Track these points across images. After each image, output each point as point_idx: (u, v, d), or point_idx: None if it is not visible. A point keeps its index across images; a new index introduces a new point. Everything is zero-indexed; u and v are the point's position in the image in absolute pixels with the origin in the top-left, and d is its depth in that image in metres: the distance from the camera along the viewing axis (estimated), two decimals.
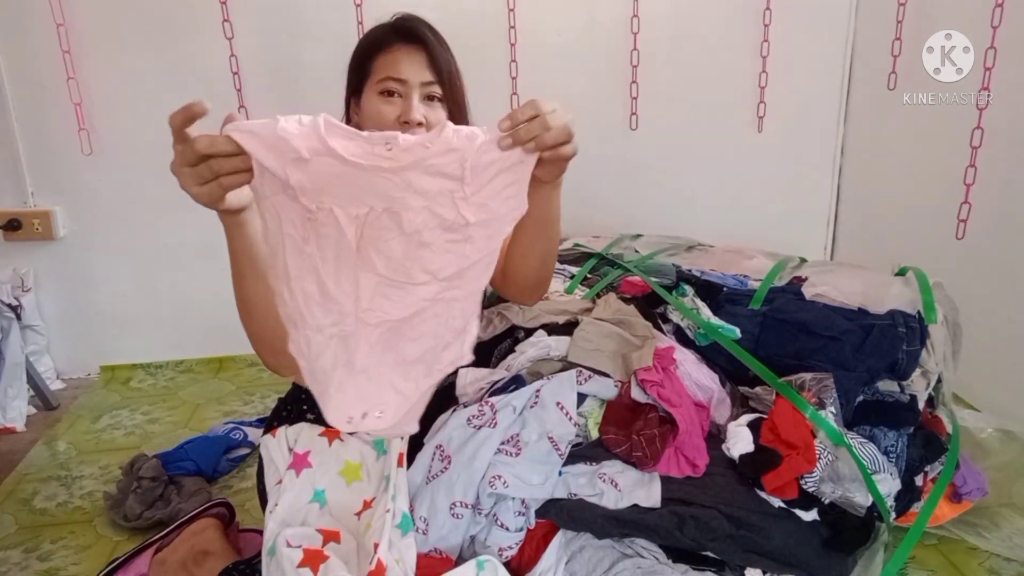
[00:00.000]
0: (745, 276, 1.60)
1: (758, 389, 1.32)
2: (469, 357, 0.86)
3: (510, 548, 1.06)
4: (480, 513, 1.07)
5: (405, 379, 0.86)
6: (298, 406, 1.16)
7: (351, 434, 1.11)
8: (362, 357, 0.85)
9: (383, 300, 0.84)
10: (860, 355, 1.31)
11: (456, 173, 0.81)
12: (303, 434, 1.11)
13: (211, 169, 0.77)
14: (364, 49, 1.13)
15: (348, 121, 1.18)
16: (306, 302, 0.83)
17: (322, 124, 0.78)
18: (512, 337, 1.37)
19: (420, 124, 1.07)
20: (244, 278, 0.92)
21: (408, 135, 0.81)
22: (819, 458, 1.14)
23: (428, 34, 1.10)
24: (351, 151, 0.78)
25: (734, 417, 1.29)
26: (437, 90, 1.09)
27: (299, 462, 1.08)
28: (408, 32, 1.10)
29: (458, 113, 1.13)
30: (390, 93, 1.08)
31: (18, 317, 2.07)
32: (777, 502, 1.13)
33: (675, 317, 1.44)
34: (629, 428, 1.18)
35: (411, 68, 1.08)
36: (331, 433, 1.11)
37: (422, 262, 0.83)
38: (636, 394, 1.19)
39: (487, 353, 1.35)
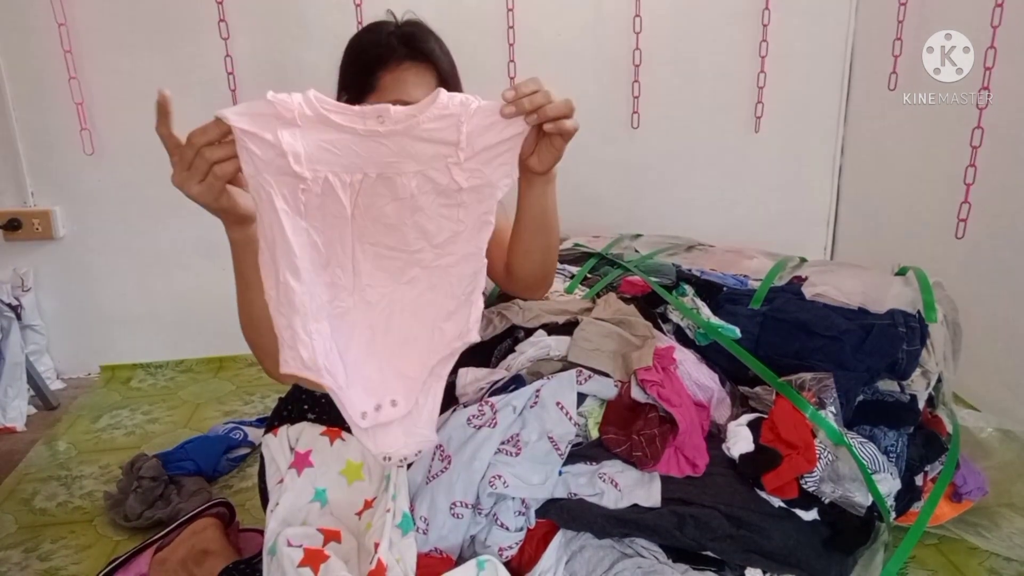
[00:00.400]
0: (745, 276, 1.60)
1: (758, 389, 1.32)
2: (475, 336, 0.85)
3: (510, 548, 1.06)
4: (480, 513, 1.07)
5: (409, 360, 0.86)
6: (299, 405, 1.16)
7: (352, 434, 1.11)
8: (364, 342, 0.84)
9: (381, 274, 0.84)
10: (860, 355, 1.30)
11: (451, 138, 0.81)
12: (304, 433, 1.11)
13: (204, 159, 0.76)
14: (368, 61, 1.10)
15: None
16: (312, 280, 0.82)
17: (312, 96, 0.79)
18: (512, 337, 1.36)
19: None
20: (252, 293, 0.91)
21: (400, 107, 0.81)
22: (819, 458, 1.14)
23: (436, 50, 1.08)
24: (344, 120, 0.79)
25: (734, 417, 1.28)
26: None
27: (300, 461, 1.08)
28: (416, 48, 1.08)
29: None
30: None
31: (18, 317, 2.08)
32: (777, 502, 1.13)
33: (675, 317, 1.44)
34: (629, 428, 1.17)
35: (421, 91, 1.06)
36: (332, 432, 1.11)
37: (417, 227, 0.84)
38: (636, 394, 1.19)
39: (487, 353, 1.35)
